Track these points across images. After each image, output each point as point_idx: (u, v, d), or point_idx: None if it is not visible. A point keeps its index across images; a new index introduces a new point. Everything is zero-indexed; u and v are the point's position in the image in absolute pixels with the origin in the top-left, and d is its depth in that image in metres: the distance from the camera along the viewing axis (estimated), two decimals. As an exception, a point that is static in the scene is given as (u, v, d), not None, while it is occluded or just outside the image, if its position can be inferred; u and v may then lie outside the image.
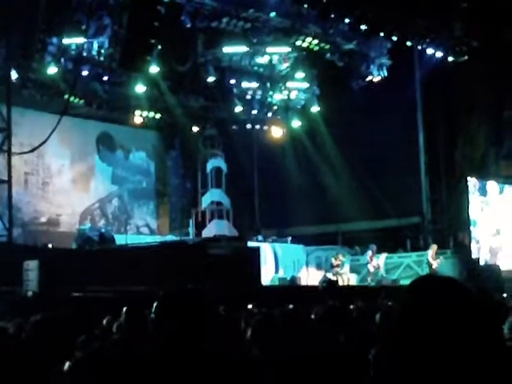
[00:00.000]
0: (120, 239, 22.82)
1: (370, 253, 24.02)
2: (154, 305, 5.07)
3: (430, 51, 25.00)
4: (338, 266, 23.77)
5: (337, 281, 22.80)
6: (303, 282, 23.41)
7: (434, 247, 23.56)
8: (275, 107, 28.63)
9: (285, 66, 26.40)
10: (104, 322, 7.50)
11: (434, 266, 23.05)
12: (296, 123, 28.91)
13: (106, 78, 23.59)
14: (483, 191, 25.56)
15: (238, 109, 27.68)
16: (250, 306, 10.30)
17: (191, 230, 26.20)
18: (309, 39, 23.71)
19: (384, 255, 24.37)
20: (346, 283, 23.23)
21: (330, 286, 21.29)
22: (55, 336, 4.64)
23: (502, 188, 26.17)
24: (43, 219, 25.84)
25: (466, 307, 1.90)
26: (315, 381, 4.16)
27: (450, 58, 25.32)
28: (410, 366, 1.89)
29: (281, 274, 23.97)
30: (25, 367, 4.53)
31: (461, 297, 1.92)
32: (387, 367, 1.92)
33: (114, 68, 21.89)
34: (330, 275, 23.51)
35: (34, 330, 4.82)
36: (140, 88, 24.07)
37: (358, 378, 4.16)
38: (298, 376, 4.09)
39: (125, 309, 5.72)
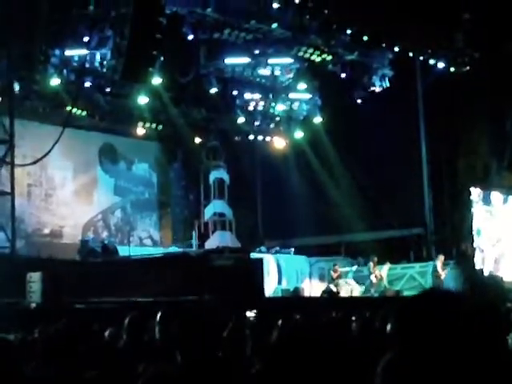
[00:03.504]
0: (123, 251, 22.81)
1: (371, 264, 23.99)
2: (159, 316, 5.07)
3: (431, 62, 25.04)
4: (338, 277, 23.76)
5: (338, 292, 22.77)
6: (306, 293, 23.36)
7: (441, 258, 23.51)
8: (278, 118, 28.65)
9: (287, 77, 26.45)
10: (106, 333, 7.46)
11: (442, 277, 23.03)
12: (298, 134, 28.91)
13: (108, 90, 23.63)
14: (487, 201, 25.54)
15: (241, 120, 27.70)
16: (249, 314, 10.23)
17: (194, 241, 26.18)
18: (311, 50, 23.73)
19: (387, 266, 24.31)
20: (349, 294, 23.19)
21: (330, 297, 21.28)
22: (61, 349, 4.63)
23: (506, 198, 26.15)
24: (46, 231, 25.83)
25: (464, 321, 1.90)
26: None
27: (452, 69, 25.35)
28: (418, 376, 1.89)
29: (284, 285, 23.93)
30: (29, 380, 4.52)
31: (460, 310, 1.93)
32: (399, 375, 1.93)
33: (116, 79, 21.91)
34: (332, 286, 23.50)
35: (42, 342, 4.82)
36: (142, 99, 24.09)
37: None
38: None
39: (127, 320, 5.70)
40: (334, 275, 23.72)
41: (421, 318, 1.95)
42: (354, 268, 24.59)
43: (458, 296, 2.02)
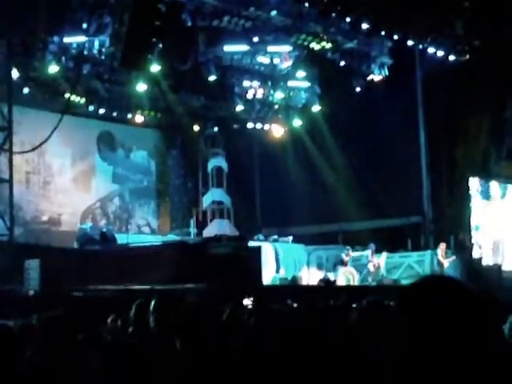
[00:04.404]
0: (121, 238, 22.81)
1: (369, 252, 24.04)
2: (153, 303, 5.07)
3: (431, 50, 24.99)
4: (348, 262, 23.73)
5: (335, 281, 22.81)
6: (304, 282, 23.40)
7: (443, 246, 23.58)
8: (276, 106, 28.62)
9: (286, 64, 26.37)
10: (108, 320, 7.50)
11: (445, 265, 23.10)
12: (297, 122, 28.90)
13: (107, 77, 23.59)
14: (485, 191, 25.53)
15: (239, 108, 27.66)
16: (246, 302, 10.19)
17: (192, 229, 26.17)
18: (310, 38, 23.69)
19: (385, 254, 24.36)
20: (350, 282, 23.28)
21: (326, 285, 21.32)
22: (58, 335, 4.63)
23: (503, 188, 26.14)
24: (44, 218, 25.82)
25: (466, 306, 1.90)
26: (315, 377, 4.15)
27: (452, 57, 25.30)
28: (414, 362, 1.89)
29: (282, 273, 23.95)
30: (28, 366, 4.53)
31: (461, 296, 1.93)
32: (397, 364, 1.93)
33: (114, 67, 21.87)
34: (330, 275, 23.56)
35: (40, 329, 4.82)
36: (141, 87, 24.04)
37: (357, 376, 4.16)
38: (300, 372, 4.08)
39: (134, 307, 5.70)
40: (346, 259, 23.72)
41: (423, 304, 1.95)
42: (366, 253, 24.41)
43: (459, 282, 2.01)
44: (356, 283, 23.53)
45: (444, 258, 23.28)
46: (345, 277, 23.48)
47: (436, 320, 1.89)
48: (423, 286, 2.01)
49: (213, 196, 27.88)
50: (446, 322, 1.89)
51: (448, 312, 1.90)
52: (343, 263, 23.78)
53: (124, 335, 6.20)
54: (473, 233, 24.88)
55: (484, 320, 1.93)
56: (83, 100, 24.30)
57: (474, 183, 25.23)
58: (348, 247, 24.16)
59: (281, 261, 24.36)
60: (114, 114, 26.56)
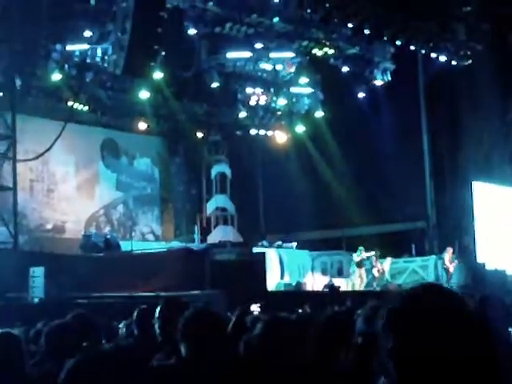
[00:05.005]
0: (125, 246, 22.82)
1: (373, 258, 24.01)
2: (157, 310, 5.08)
3: (433, 55, 25.02)
4: (361, 261, 23.62)
5: (339, 286, 22.81)
6: (309, 288, 23.39)
7: (450, 251, 23.55)
8: (279, 112, 28.63)
9: (288, 71, 26.43)
10: (121, 325, 7.54)
11: (450, 270, 23.08)
12: (300, 128, 28.91)
13: (109, 85, 23.62)
14: (488, 195, 25.51)
15: (242, 114, 27.69)
16: (254, 307, 10.19)
17: (196, 236, 26.18)
18: (312, 44, 23.75)
19: (389, 260, 24.33)
20: (359, 286, 23.29)
21: (331, 291, 21.31)
22: (63, 343, 4.64)
23: (507, 192, 26.11)
24: (49, 226, 25.84)
25: (456, 313, 1.90)
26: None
27: (454, 62, 25.34)
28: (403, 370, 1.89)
29: (286, 279, 23.93)
30: (35, 373, 4.53)
31: (452, 303, 1.93)
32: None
33: (117, 74, 21.90)
34: (341, 280, 23.54)
35: (48, 336, 4.83)
36: (144, 94, 24.05)
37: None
38: (306, 379, 4.08)
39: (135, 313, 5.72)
40: (357, 259, 23.65)
41: (409, 316, 1.94)
42: (373, 253, 24.30)
43: (444, 289, 2.01)
44: (363, 287, 23.56)
45: (450, 263, 23.25)
46: (353, 280, 23.52)
47: (425, 330, 1.89)
48: (409, 298, 2.01)
49: (216, 202, 27.90)
50: (434, 331, 1.88)
51: (436, 322, 1.89)
52: (357, 264, 23.73)
53: (128, 342, 6.21)
54: (477, 237, 24.85)
55: (486, 326, 1.93)
56: (86, 108, 24.32)
57: (477, 187, 25.22)
58: (361, 247, 24.01)
59: (285, 267, 24.34)
60: (118, 121, 26.60)
